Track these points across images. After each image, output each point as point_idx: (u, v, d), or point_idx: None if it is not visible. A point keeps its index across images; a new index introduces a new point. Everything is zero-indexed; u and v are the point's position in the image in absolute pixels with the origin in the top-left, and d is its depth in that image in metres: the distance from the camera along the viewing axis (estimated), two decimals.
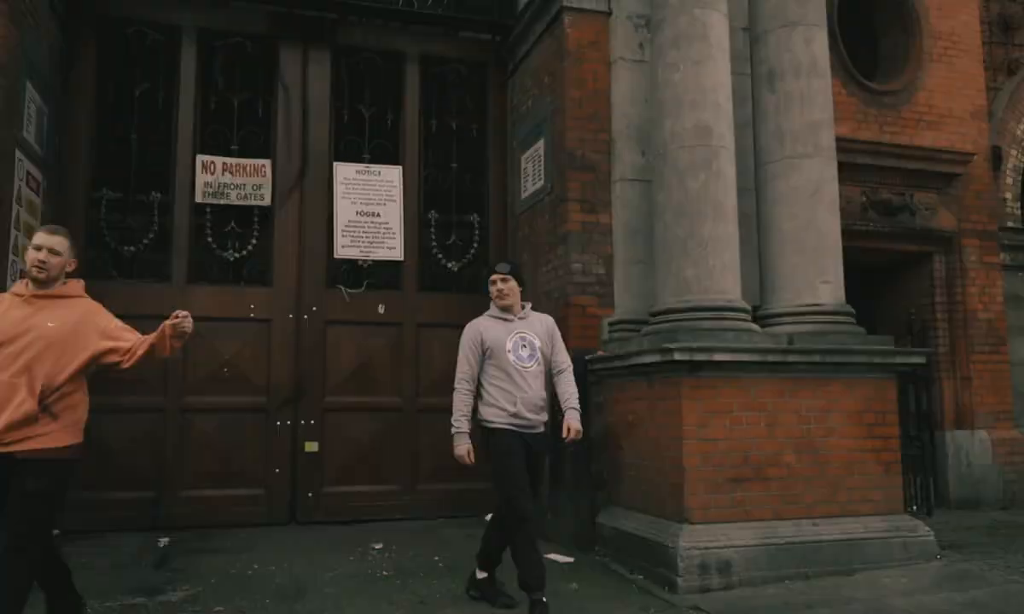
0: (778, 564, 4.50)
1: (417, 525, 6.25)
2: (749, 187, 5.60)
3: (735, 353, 4.57)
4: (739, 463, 4.63)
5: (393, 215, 6.79)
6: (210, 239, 6.34)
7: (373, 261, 6.73)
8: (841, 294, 5.22)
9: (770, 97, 5.39)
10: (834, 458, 4.83)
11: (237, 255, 6.41)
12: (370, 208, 6.77)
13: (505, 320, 4.04)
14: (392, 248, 6.79)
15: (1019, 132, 8.34)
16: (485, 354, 3.95)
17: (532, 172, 6.50)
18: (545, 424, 4.07)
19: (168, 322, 3.23)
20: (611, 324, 5.67)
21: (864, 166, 7.18)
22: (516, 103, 6.95)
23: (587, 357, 5.54)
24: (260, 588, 4.37)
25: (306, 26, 6.61)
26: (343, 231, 6.65)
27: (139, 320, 5.79)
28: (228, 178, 6.33)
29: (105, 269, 6.05)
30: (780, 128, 5.31)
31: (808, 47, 5.27)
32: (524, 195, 6.67)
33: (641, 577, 4.62)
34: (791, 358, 4.71)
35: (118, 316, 5.81)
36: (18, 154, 5.02)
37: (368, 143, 6.91)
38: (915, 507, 6.83)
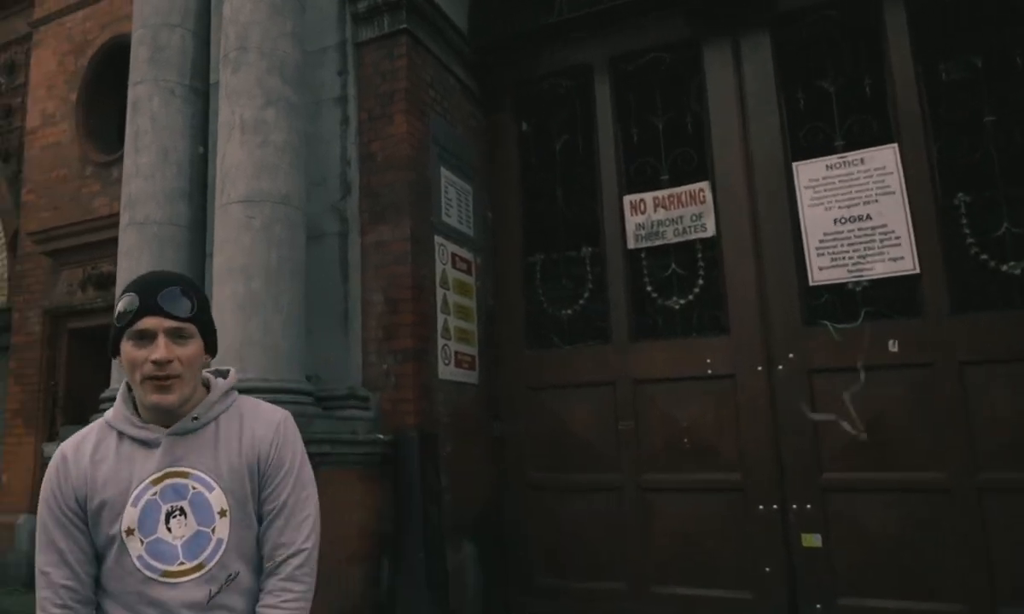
0: None
1: None
2: None
3: None
4: None
5: (893, 213, 4.83)
6: (649, 288, 5.40)
7: (870, 281, 4.86)
8: None
9: None
10: None
11: (682, 301, 5.30)
12: (855, 210, 4.97)
13: (145, 444, 1.59)
14: (898, 259, 4.82)
15: None
16: (90, 526, 1.58)
17: None
18: None
19: None
20: None
21: None
22: None
23: None
24: None
25: (733, 8, 5.32)
26: (818, 248, 4.99)
27: (583, 388, 5.31)
28: (661, 214, 5.35)
29: (547, 336, 5.63)
30: None
31: None
32: None
33: None
34: None
35: (559, 385, 5.32)
36: (437, 239, 4.98)
37: (840, 126, 5.13)
38: None
